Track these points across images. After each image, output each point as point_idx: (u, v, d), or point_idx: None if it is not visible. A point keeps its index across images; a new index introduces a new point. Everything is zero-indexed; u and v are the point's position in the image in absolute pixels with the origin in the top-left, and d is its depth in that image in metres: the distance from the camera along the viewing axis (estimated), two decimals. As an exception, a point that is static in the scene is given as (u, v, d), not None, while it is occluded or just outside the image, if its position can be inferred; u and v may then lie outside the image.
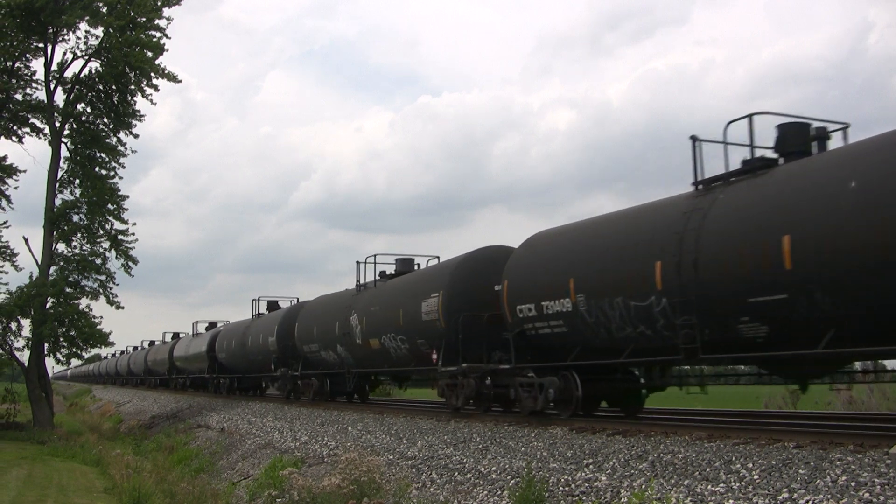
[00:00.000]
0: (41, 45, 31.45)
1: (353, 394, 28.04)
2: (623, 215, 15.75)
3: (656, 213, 14.44)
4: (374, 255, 25.29)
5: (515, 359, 17.10)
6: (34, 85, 32.17)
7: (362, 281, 25.34)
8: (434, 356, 19.45)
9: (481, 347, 18.46)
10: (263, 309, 38.13)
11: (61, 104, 31.67)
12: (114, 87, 31.66)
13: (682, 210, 13.43)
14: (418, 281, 21.81)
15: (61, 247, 31.30)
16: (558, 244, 16.89)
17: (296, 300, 35.17)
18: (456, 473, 12.90)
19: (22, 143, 32.56)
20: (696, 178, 13.90)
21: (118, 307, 31.82)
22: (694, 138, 14.37)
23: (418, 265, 24.27)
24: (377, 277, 24.86)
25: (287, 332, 30.75)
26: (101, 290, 31.16)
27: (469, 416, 18.82)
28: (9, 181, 31.84)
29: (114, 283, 31.48)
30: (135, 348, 75.77)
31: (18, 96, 32.03)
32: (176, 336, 57.58)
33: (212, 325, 48.12)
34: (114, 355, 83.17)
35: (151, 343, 67.44)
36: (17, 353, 31.53)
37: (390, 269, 24.83)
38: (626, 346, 14.49)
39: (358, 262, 25.34)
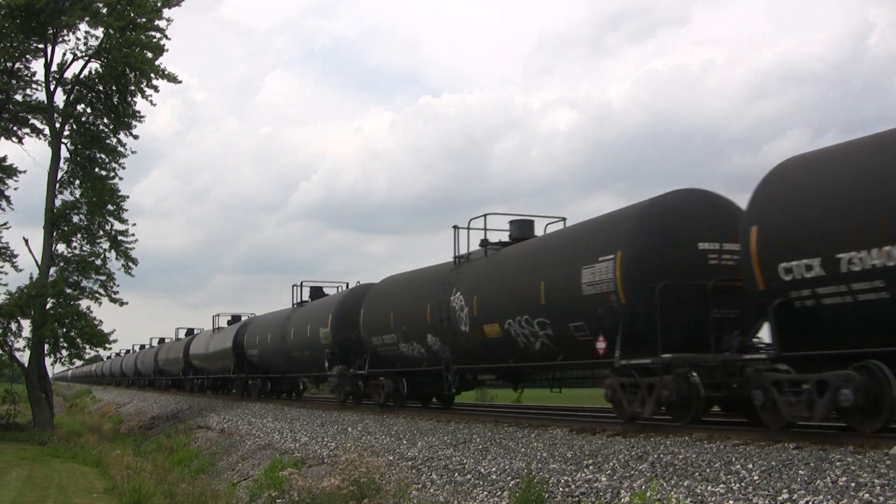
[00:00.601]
0: (41, 45, 31.47)
1: (430, 397, 23.38)
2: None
3: None
4: (485, 215, 19.90)
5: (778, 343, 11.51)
6: (34, 86, 32.25)
7: (463, 250, 20.14)
8: (601, 345, 14.18)
9: (683, 330, 13.25)
10: (306, 296, 32.21)
11: (61, 105, 31.72)
12: (114, 87, 31.68)
13: None
14: (573, 241, 16.14)
15: (61, 247, 31.35)
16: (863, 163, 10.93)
17: (345, 286, 30.21)
18: (456, 474, 12.89)
19: (22, 143, 32.67)
20: None
21: (121, 304, 31.84)
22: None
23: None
24: (485, 246, 19.82)
25: (347, 322, 25.13)
26: (101, 291, 31.17)
27: (469, 416, 18.76)
28: (9, 182, 31.90)
29: (114, 283, 31.51)
30: (141, 346, 72.48)
31: (18, 97, 32.10)
32: (191, 332, 52.91)
33: (235, 318, 43.32)
34: (118, 354, 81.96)
35: (161, 341, 62.53)
36: (17, 354, 31.57)
37: (497, 238, 19.91)
38: None
39: (457, 228, 20.13)
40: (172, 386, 54.50)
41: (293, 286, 32.42)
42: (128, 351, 78.98)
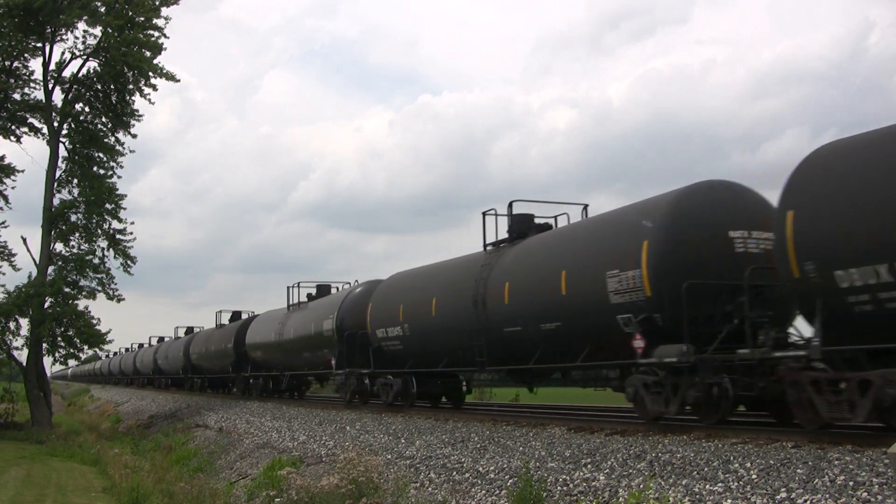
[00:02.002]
0: (39, 44, 31.44)
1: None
2: None
3: None
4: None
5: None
6: (32, 85, 32.20)
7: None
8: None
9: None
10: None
11: (59, 104, 31.66)
12: (112, 86, 31.64)
13: None
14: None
15: (59, 246, 31.32)
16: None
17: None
18: (454, 473, 12.89)
19: (20, 142, 32.61)
20: None
21: (119, 300, 31.79)
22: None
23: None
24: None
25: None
26: (99, 288, 31.15)
27: (469, 417, 18.77)
28: (7, 181, 31.85)
29: (113, 281, 31.49)
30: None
31: (17, 96, 32.06)
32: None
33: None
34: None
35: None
36: (15, 353, 31.55)
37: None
38: None
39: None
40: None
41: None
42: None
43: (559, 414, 19.33)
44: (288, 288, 32.28)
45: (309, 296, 31.65)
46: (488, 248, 19.31)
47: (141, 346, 72.11)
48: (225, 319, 43.21)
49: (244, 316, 40.87)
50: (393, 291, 23.06)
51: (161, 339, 62.69)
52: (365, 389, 24.12)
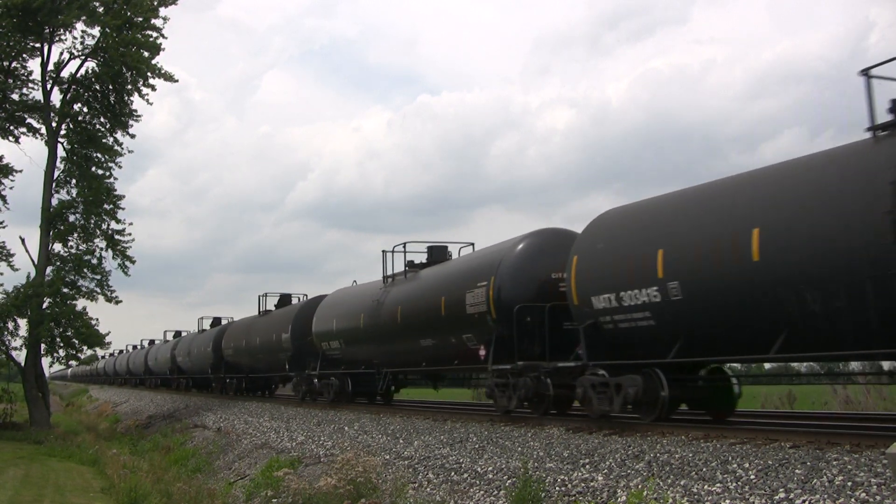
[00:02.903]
0: (38, 44, 31.48)
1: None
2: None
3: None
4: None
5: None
6: (31, 85, 32.22)
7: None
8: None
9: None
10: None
11: (58, 104, 31.68)
12: (110, 86, 31.67)
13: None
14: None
15: (58, 246, 31.31)
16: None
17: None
18: (452, 473, 12.89)
19: (18, 142, 32.62)
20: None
21: (116, 302, 31.82)
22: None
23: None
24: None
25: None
26: (98, 290, 31.14)
27: (467, 416, 18.81)
28: (5, 181, 31.84)
29: (108, 284, 31.47)
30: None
31: (15, 96, 32.08)
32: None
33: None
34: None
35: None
36: (13, 354, 31.54)
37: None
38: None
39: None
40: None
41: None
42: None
43: (557, 414, 19.33)
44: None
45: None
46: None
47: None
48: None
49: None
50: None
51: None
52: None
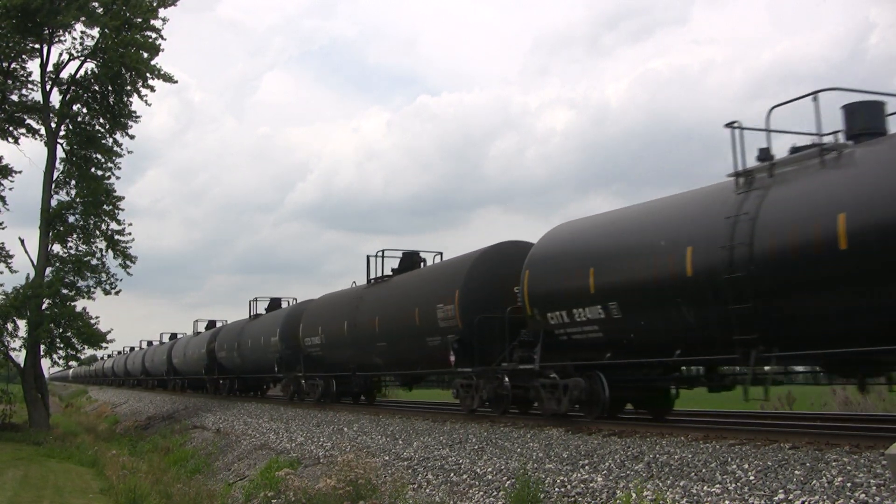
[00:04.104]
0: (37, 45, 31.48)
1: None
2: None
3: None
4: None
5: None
6: (30, 86, 32.24)
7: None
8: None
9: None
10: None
11: (57, 105, 31.68)
12: (109, 87, 31.68)
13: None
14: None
15: (57, 247, 31.31)
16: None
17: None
18: (452, 474, 12.89)
19: (18, 143, 32.61)
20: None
21: (116, 292, 31.79)
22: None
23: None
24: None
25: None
26: (96, 287, 31.15)
27: (466, 417, 18.80)
28: (4, 182, 31.84)
29: (111, 278, 31.49)
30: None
31: (14, 97, 32.10)
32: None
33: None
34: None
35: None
36: (13, 355, 31.52)
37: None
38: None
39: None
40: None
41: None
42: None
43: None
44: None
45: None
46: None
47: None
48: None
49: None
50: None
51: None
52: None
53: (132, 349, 74.59)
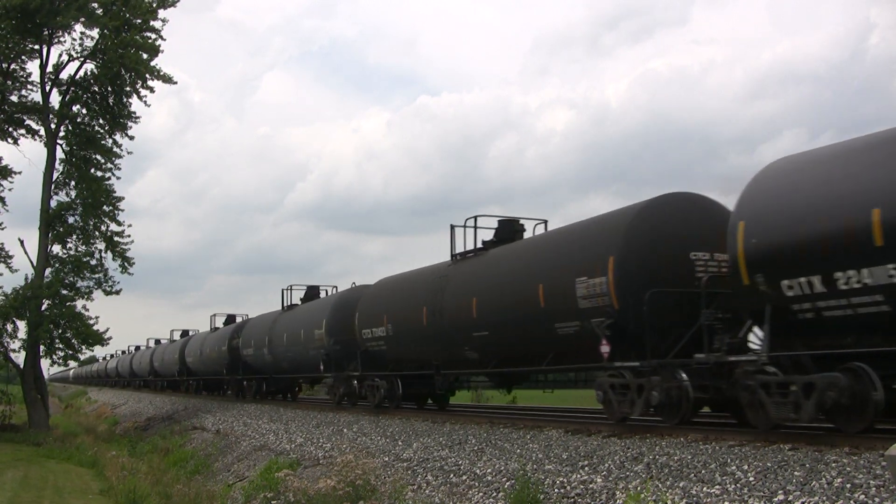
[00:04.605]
0: (36, 46, 31.46)
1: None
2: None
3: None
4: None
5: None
6: (30, 86, 32.19)
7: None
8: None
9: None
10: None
11: (57, 106, 31.67)
12: (109, 88, 31.66)
13: None
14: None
15: (57, 248, 31.31)
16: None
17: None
18: (451, 475, 12.89)
19: (17, 144, 32.58)
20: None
21: (117, 292, 31.80)
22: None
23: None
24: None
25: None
26: (96, 287, 31.17)
27: (464, 417, 18.75)
28: (4, 183, 31.86)
29: (109, 280, 31.49)
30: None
31: (14, 98, 32.05)
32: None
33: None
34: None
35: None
36: (12, 355, 31.52)
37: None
38: None
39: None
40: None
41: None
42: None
43: (556, 416, 19.31)
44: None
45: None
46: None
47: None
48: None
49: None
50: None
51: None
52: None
53: (137, 348, 71.84)
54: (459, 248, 20.18)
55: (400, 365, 22.20)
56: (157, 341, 63.60)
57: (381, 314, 22.57)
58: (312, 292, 31.88)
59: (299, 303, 31.97)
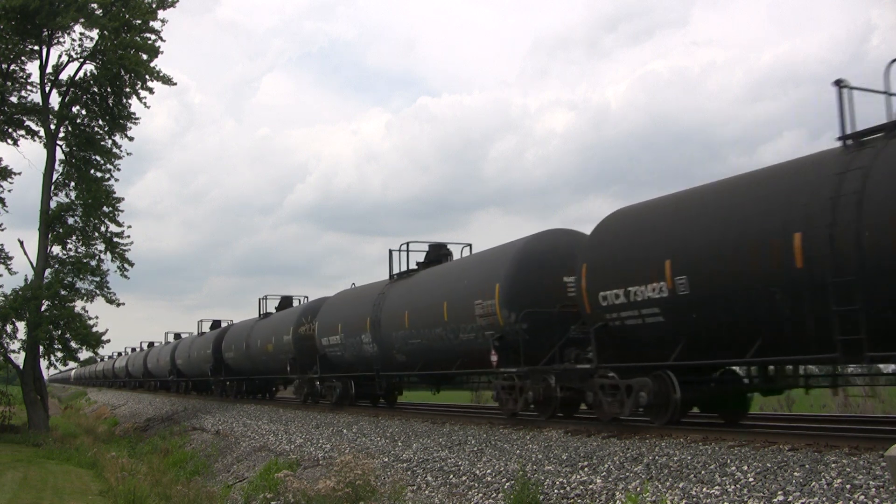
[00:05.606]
0: (36, 47, 31.53)
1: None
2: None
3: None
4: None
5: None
6: (29, 87, 32.27)
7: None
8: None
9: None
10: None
11: (56, 107, 31.71)
12: (108, 89, 31.70)
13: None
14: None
15: (56, 249, 31.33)
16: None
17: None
18: (451, 476, 12.89)
19: (17, 145, 32.61)
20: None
21: (118, 304, 31.85)
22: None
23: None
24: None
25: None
26: (97, 291, 31.17)
27: (464, 418, 18.81)
28: (3, 184, 31.91)
29: (107, 285, 31.47)
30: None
31: (13, 99, 32.12)
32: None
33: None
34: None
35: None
36: (11, 356, 31.53)
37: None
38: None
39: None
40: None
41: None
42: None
43: (555, 417, 19.32)
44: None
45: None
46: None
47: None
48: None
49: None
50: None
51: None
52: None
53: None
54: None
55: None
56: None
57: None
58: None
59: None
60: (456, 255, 22.37)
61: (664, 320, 13.17)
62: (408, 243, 22.99)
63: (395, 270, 23.15)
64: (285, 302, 35.19)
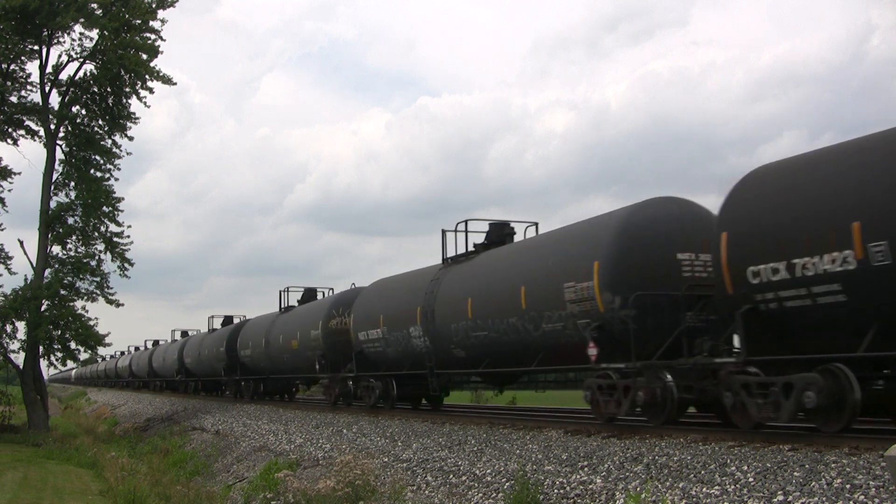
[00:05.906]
0: (36, 47, 31.51)
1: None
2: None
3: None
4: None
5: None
6: (29, 87, 32.25)
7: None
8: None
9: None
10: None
11: (56, 106, 31.70)
12: (108, 89, 31.69)
13: None
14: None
15: (56, 249, 31.32)
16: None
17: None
18: (451, 476, 12.89)
19: (17, 145, 32.61)
20: None
21: (117, 305, 31.84)
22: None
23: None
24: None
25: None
26: (97, 292, 31.17)
27: (464, 418, 18.76)
28: (3, 184, 31.88)
29: (108, 285, 31.45)
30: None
31: (13, 98, 32.10)
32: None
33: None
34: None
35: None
36: (11, 356, 31.53)
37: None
38: None
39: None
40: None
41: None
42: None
43: (556, 417, 19.32)
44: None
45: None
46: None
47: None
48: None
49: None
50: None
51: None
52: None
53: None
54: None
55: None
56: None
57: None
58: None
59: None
60: (519, 237, 19.52)
61: (847, 299, 10.45)
62: (466, 221, 20.11)
63: (450, 254, 20.27)
64: (309, 294, 32.13)
